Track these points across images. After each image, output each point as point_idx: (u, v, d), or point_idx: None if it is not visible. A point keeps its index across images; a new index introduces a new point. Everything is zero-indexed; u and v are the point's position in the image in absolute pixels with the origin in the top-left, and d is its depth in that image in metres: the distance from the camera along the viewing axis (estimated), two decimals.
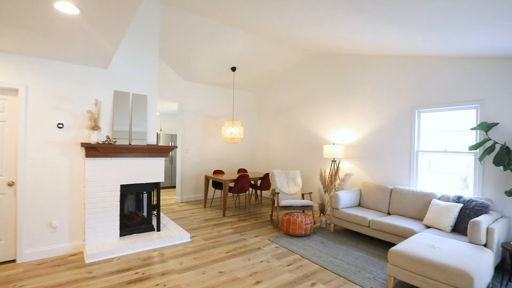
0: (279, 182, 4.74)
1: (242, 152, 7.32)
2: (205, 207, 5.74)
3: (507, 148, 2.88)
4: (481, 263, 2.27)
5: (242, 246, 3.59)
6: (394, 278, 2.59)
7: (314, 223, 4.42)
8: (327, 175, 5.33)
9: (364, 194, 4.35)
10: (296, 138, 6.23)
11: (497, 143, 3.04)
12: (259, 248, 3.55)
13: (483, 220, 2.72)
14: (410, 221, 3.49)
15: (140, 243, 3.41)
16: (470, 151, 3.47)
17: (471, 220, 2.76)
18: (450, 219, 3.14)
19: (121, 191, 3.58)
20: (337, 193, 4.14)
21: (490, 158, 3.27)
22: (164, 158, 3.92)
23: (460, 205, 3.17)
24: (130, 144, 3.63)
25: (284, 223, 4.05)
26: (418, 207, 3.65)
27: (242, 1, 3.43)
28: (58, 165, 3.23)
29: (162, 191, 7.62)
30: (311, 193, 4.60)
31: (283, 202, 4.31)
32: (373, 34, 3.62)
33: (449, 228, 3.12)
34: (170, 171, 8.25)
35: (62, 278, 2.68)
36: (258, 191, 7.64)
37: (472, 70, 3.47)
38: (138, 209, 4.14)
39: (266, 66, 6.13)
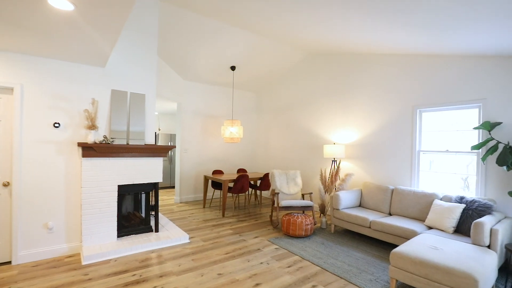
0: (279, 182, 4.70)
1: (241, 152, 7.27)
2: (204, 207, 5.69)
3: (511, 147, 2.84)
4: (485, 265, 2.22)
5: (242, 247, 3.54)
6: (396, 281, 2.54)
7: (315, 224, 4.38)
8: (327, 175, 5.28)
9: (365, 195, 4.31)
10: (296, 138, 6.18)
11: (500, 142, 2.99)
12: (259, 249, 3.50)
13: (487, 221, 2.67)
14: (412, 222, 3.44)
15: (138, 244, 3.36)
16: (472, 151, 3.42)
17: (475, 221, 2.72)
18: (452, 220, 3.09)
19: (118, 191, 3.52)
20: (337, 194, 4.09)
21: (493, 158, 3.22)
22: (162, 158, 3.87)
23: (463, 205, 3.13)
24: (127, 144, 3.58)
25: (284, 223, 4.00)
26: (419, 208, 3.60)
27: (242, 0, 3.38)
28: (55, 165, 3.17)
29: (161, 191, 7.57)
30: (311, 193, 4.55)
31: (283, 202, 4.27)
32: (373, 33, 3.57)
33: (452, 229, 3.07)
34: (170, 171, 8.20)
35: (58, 280, 2.63)
36: (258, 191, 7.59)
37: (475, 69, 3.42)
38: (136, 210, 4.08)
39: (266, 66, 6.08)
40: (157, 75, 5.64)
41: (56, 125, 3.16)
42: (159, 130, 9.17)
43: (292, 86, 6.31)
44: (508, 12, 2.29)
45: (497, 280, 2.76)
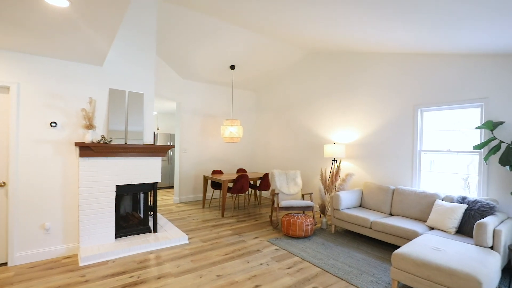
0: (279, 182, 4.66)
1: (241, 151, 7.23)
2: (203, 207, 5.65)
3: None
4: (488, 266, 2.18)
5: (241, 248, 3.50)
6: (398, 282, 2.50)
7: (315, 224, 4.34)
8: (327, 175, 5.24)
9: (365, 195, 4.27)
10: (296, 138, 6.14)
11: (503, 142, 2.95)
12: (259, 250, 3.46)
13: (490, 221, 2.63)
14: (413, 222, 3.41)
15: (136, 245, 3.32)
16: (474, 150, 3.38)
17: (477, 221, 2.68)
18: (454, 221, 3.05)
19: (116, 191, 3.48)
20: (338, 194, 4.05)
21: (495, 157, 3.18)
22: (161, 158, 3.83)
23: (465, 206, 3.09)
24: (126, 143, 3.53)
25: (284, 224, 3.96)
26: (421, 208, 3.56)
27: None
28: (51, 165, 3.13)
29: (160, 191, 7.53)
30: (312, 193, 4.51)
31: (283, 202, 4.23)
32: (374, 31, 3.53)
33: (454, 230, 3.04)
34: (169, 171, 8.16)
35: (54, 282, 2.59)
36: (258, 192, 7.55)
37: (477, 67, 3.38)
38: (135, 210, 4.04)
39: (266, 65, 6.04)
40: (156, 74, 5.60)
41: (53, 124, 3.12)
42: (158, 129, 9.13)
43: (292, 86, 6.27)
44: (511, 10, 2.25)
45: (500, 281, 2.72)
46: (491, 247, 2.62)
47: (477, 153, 3.40)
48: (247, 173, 5.93)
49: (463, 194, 3.36)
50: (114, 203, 3.42)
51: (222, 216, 4.99)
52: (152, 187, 3.80)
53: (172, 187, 8.21)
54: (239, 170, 6.42)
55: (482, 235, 2.59)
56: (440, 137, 3.80)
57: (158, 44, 4.92)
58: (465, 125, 3.56)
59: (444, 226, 3.10)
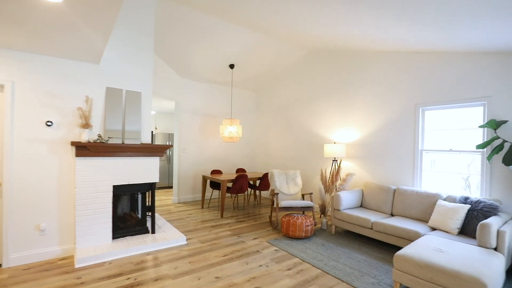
0: (278, 182, 4.60)
1: (240, 151, 7.18)
2: (202, 208, 5.59)
3: None
4: (493, 268, 2.13)
5: (240, 249, 3.45)
6: (400, 284, 2.45)
7: (315, 225, 4.29)
8: (328, 175, 5.19)
9: (366, 195, 4.22)
10: (296, 137, 6.08)
11: (507, 141, 2.91)
12: (258, 251, 3.41)
13: (493, 222, 2.58)
14: (415, 223, 3.36)
15: (134, 246, 3.26)
16: (477, 150, 3.33)
17: (481, 222, 2.63)
18: (457, 221, 3.00)
19: (113, 192, 3.43)
20: (338, 194, 4.00)
21: (498, 157, 3.13)
22: (159, 157, 3.78)
23: (468, 206, 3.04)
24: (123, 143, 3.48)
25: (283, 224, 3.91)
26: (422, 208, 3.51)
27: None
28: (47, 164, 3.08)
29: (159, 191, 7.47)
30: (312, 193, 4.45)
31: (283, 203, 4.17)
32: (375, 29, 3.48)
33: (456, 231, 2.99)
34: (168, 171, 8.11)
35: (49, 284, 2.53)
36: (257, 192, 7.50)
37: (479, 66, 3.33)
38: (132, 211, 3.99)
39: (266, 64, 5.99)
40: (155, 74, 5.55)
41: (49, 123, 3.07)
42: (156, 129, 9.07)
43: (292, 85, 6.21)
44: None
45: (505, 283, 2.67)
46: (495, 248, 2.57)
47: (480, 153, 3.35)
48: (246, 173, 5.88)
49: (465, 194, 3.31)
50: (111, 204, 3.36)
51: (221, 216, 4.94)
52: (150, 187, 3.74)
53: (171, 187, 8.15)
54: (238, 170, 6.37)
55: (485, 236, 2.54)
56: (442, 137, 3.75)
57: (156, 43, 4.86)
58: (467, 124, 3.51)
59: (446, 227, 3.05)
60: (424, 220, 3.48)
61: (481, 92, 3.31)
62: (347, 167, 4.92)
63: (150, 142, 3.88)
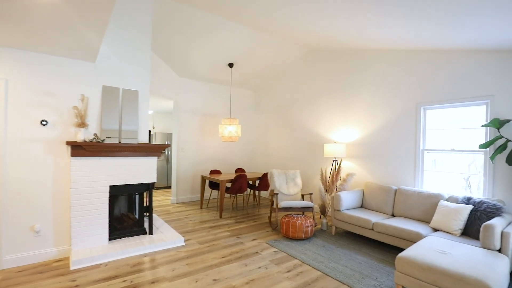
0: (278, 182, 4.55)
1: (239, 151, 7.12)
2: (201, 208, 5.54)
3: None
4: (497, 271, 2.08)
5: (239, 251, 3.39)
6: (402, 287, 2.39)
7: (315, 226, 4.23)
8: (328, 175, 5.14)
9: (367, 195, 4.16)
10: (295, 137, 6.03)
11: (510, 140, 2.85)
12: (257, 252, 3.35)
13: (497, 223, 2.53)
14: (416, 223, 3.30)
15: (130, 248, 3.20)
16: (480, 149, 3.28)
17: (484, 223, 2.57)
18: (459, 222, 2.95)
19: (110, 192, 3.36)
20: (338, 194, 3.94)
21: (501, 156, 3.08)
22: (156, 157, 3.72)
23: (470, 207, 2.98)
24: (120, 142, 3.42)
25: (283, 225, 3.85)
26: (424, 209, 3.46)
27: None
28: (42, 164, 3.02)
29: (157, 192, 7.41)
30: (312, 193, 4.40)
31: (282, 203, 4.12)
32: (376, 27, 3.42)
33: (459, 232, 2.93)
34: (167, 171, 8.05)
35: (43, 287, 2.47)
36: (257, 192, 7.44)
37: (482, 64, 3.27)
38: (130, 211, 3.93)
39: (265, 63, 5.93)
40: (153, 73, 5.49)
41: (44, 122, 3.01)
42: (153, 128, 9.00)
43: (291, 84, 6.15)
44: None
45: (509, 286, 2.61)
46: (499, 250, 2.51)
47: (482, 152, 3.29)
48: (245, 173, 5.82)
49: (467, 194, 3.26)
50: (107, 204, 3.30)
51: (220, 217, 4.88)
52: (147, 188, 3.68)
53: (170, 187, 8.09)
54: (237, 170, 6.31)
55: (489, 238, 2.48)
56: (443, 136, 3.69)
57: (154, 42, 4.80)
58: (470, 123, 3.46)
59: (448, 228, 2.99)
60: (425, 221, 3.43)
61: (484, 91, 3.25)
62: (347, 167, 4.86)
63: (147, 141, 3.82)
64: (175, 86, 5.94)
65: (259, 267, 2.94)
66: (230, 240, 3.74)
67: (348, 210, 3.95)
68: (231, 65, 5.76)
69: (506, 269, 2.20)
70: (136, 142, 3.55)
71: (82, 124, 3.11)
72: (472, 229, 2.92)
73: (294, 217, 3.85)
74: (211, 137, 6.56)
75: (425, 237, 2.92)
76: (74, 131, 3.20)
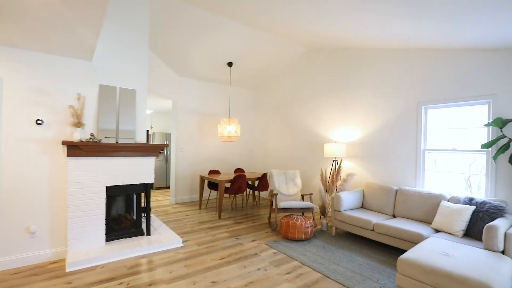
0: (277, 182, 4.50)
1: (239, 151, 7.07)
2: (200, 208, 5.49)
3: None
4: (501, 273, 2.04)
5: (238, 252, 3.34)
6: None
7: (315, 226, 4.19)
8: (328, 175, 5.09)
9: (367, 195, 4.12)
10: (295, 137, 5.98)
11: None
12: (256, 254, 3.31)
13: (500, 224, 2.49)
14: (418, 224, 3.26)
15: (128, 249, 3.16)
16: (482, 149, 3.24)
17: (487, 224, 2.53)
18: (462, 223, 2.90)
19: (107, 193, 3.31)
20: (339, 194, 3.90)
21: (504, 156, 3.04)
22: (154, 157, 3.67)
23: (473, 207, 2.94)
24: (117, 142, 3.37)
25: (282, 226, 3.81)
26: (425, 209, 3.42)
27: None
28: (37, 165, 2.97)
29: (156, 192, 7.36)
30: (311, 194, 4.35)
31: (282, 204, 4.07)
32: (376, 26, 3.38)
33: (461, 233, 2.89)
34: (165, 171, 8.00)
35: None
36: (256, 192, 7.40)
37: (484, 63, 3.23)
38: (127, 212, 3.88)
39: (264, 62, 5.88)
40: (151, 72, 5.44)
41: (39, 122, 2.96)
42: (151, 128, 8.95)
43: (291, 83, 6.11)
44: None
45: None
46: (502, 252, 2.47)
47: (484, 152, 3.25)
48: (245, 173, 5.77)
49: (468, 195, 3.22)
50: (104, 205, 3.25)
51: (219, 217, 4.84)
52: (145, 188, 3.63)
53: (168, 188, 8.04)
54: (236, 170, 6.26)
55: (492, 239, 2.44)
56: (445, 136, 3.65)
57: (153, 41, 4.75)
58: (471, 122, 3.42)
59: (450, 229, 2.95)
60: (427, 221, 3.39)
61: (486, 90, 3.21)
62: (347, 167, 4.82)
63: (145, 141, 3.78)
64: (174, 85, 5.89)
65: (258, 269, 2.90)
66: (229, 241, 3.70)
67: (348, 210, 3.91)
68: (230, 64, 5.71)
69: (509, 271, 2.16)
70: (134, 142, 3.50)
71: (78, 124, 3.06)
72: (474, 230, 2.88)
73: (294, 217, 3.80)
74: (210, 137, 6.52)
75: (426, 238, 2.88)
76: (70, 130, 3.15)
